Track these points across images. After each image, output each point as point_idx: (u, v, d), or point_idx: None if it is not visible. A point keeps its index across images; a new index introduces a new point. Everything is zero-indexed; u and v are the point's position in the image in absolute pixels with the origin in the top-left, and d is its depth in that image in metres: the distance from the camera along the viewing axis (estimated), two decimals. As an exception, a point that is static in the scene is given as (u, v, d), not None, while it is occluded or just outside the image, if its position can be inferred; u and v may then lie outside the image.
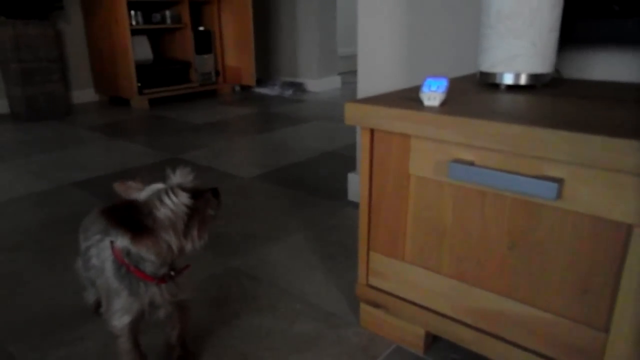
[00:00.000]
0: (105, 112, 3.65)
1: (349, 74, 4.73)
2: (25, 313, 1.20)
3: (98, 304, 1.09)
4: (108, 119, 3.43)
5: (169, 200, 0.77)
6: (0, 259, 1.47)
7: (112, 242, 0.86)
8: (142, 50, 3.87)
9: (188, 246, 0.81)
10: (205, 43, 4.03)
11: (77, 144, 2.78)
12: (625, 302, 0.73)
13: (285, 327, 1.14)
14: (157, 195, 0.78)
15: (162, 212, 0.77)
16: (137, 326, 0.91)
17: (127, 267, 0.85)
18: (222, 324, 1.15)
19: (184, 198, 0.78)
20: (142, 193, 0.80)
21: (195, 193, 0.80)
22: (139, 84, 3.66)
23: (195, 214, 0.79)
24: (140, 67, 3.67)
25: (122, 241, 0.80)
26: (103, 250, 0.89)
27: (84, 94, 3.94)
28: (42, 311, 1.21)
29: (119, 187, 0.83)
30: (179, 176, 0.81)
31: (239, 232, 1.62)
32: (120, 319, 0.88)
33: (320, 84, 4.38)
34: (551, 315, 0.82)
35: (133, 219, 0.76)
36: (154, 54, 4.03)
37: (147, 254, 0.81)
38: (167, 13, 3.86)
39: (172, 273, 0.87)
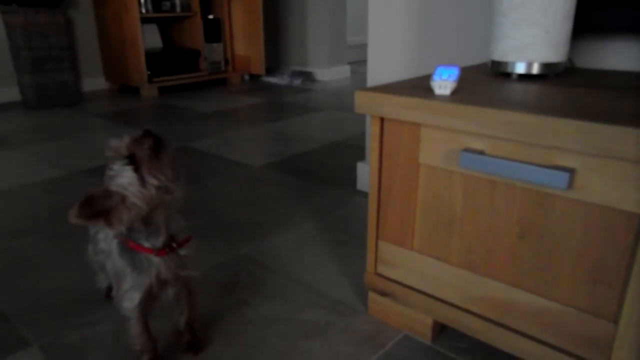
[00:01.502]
0: (115, 100, 3.66)
1: (358, 64, 4.70)
2: (38, 297, 1.22)
3: (109, 289, 1.11)
4: (118, 107, 3.44)
5: (112, 172, 0.81)
6: (14, 243, 1.49)
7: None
8: (151, 38, 3.88)
9: (152, 191, 0.82)
10: (214, 31, 4.02)
11: (87, 131, 2.80)
12: (635, 293, 0.72)
13: (293, 314, 1.14)
14: (106, 175, 0.82)
15: (114, 186, 0.81)
16: (147, 308, 0.92)
17: (127, 244, 0.87)
18: (231, 310, 1.16)
19: (119, 163, 0.81)
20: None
21: (130, 151, 0.82)
22: (149, 72, 3.66)
23: (140, 166, 0.82)
24: (150, 55, 3.67)
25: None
26: (110, 233, 0.91)
27: (94, 82, 3.96)
28: (55, 295, 1.22)
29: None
30: (110, 150, 0.83)
31: (248, 220, 1.63)
32: (130, 299, 0.89)
33: (329, 73, 4.36)
34: (560, 306, 0.81)
35: (98, 208, 0.80)
36: (163, 42, 4.04)
37: (128, 224, 0.83)
38: (177, 1, 3.85)
39: (174, 244, 0.89)
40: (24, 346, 1.05)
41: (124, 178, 0.81)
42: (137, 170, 0.81)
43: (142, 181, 0.81)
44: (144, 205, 0.82)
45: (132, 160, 0.81)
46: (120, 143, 0.83)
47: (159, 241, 0.87)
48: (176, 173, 0.85)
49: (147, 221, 0.85)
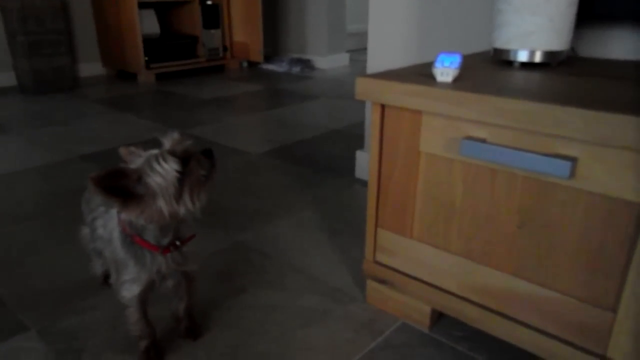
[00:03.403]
0: (112, 86, 3.64)
1: (357, 52, 4.68)
2: (36, 282, 1.22)
3: (106, 275, 1.10)
4: (115, 92, 3.42)
5: (158, 166, 0.77)
6: (10, 229, 1.49)
7: (118, 213, 0.87)
8: (149, 23, 3.83)
9: (181, 210, 0.80)
10: (213, 18, 3.98)
11: (84, 117, 2.78)
12: (635, 283, 0.72)
13: (291, 301, 1.14)
14: (148, 162, 0.78)
15: (152, 179, 0.77)
16: (146, 297, 0.92)
17: (131, 238, 0.85)
18: (229, 297, 1.16)
19: (173, 163, 0.77)
20: (136, 160, 0.80)
21: (186, 157, 0.79)
22: (146, 58, 3.63)
23: (186, 178, 0.79)
24: (148, 41, 3.63)
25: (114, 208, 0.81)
26: (109, 220, 0.90)
27: (91, 67, 3.92)
28: (53, 281, 1.22)
29: (123, 152, 0.83)
30: (169, 141, 0.80)
31: (246, 207, 1.63)
32: (129, 290, 0.88)
33: (328, 61, 4.34)
34: (559, 295, 0.82)
35: (121, 187, 0.76)
36: (161, 28, 4.00)
37: (139, 220, 0.81)
38: (175, -14, 3.81)
39: (178, 243, 0.88)
40: (21, 330, 1.05)
41: (166, 181, 0.77)
42: (182, 181, 0.78)
43: (179, 196, 0.79)
44: (168, 217, 0.80)
45: (184, 166, 0.78)
46: (181, 140, 0.80)
47: (165, 240, 0.87)
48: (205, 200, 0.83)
49: (163, 226, 0.84)
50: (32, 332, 1.04)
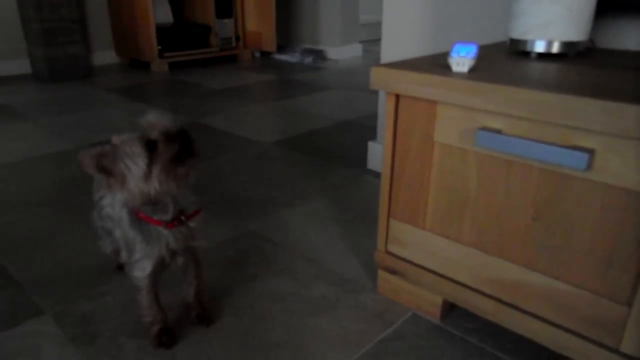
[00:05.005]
0: (125, 74, 3.65)
1: (370, 43, 4.64)
2: (51, 267, 1.23)
3: (116, 254, 1.11)
4: (128, 81, 3.43)
5: (129, 149, 0.80)
6: (25, 215, 1.51)
7: None
8: (162, 12, 3.84)
9: (151, 190, 0.81)
10: (226, 7, 3.97)
11: (97, 105, 2.79)
12: (650, 277, 0.71)
13: (302, 290, 1.15)
14: (122, 145, 0.81)
15: (122, 160, 0.80)
16: (157, 279, 0.93)
17: (137, 215, 0.87)
18: (240, 285, 1.17)
19: (137, 148, 0.79)
20: (117, 140, 0.83)
21: (157, 140, 0.81)
22: (159, 47, 3.64)
23: (155, 161, 0.80)
24: (161, 30, 3.64)
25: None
26: (118, 201, 0.91)
27: (104, 55, 3.94)
28: (67, 266, 1.24)
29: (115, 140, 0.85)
30: (143, 124, 0.82)
31: (257, 196, 1.63)
32: (141, 268, 0.90)
33: (341, 52, 4.31)
34: (573, 288, 0.81)
35: (103, 166, 0.81)
36: (174, 17, 4.00)
37: (120, 195, 0.84)
38: (188, -25, 3.80)
39: (183, 218, 0.89)
40: (37, 314, 1.06)
41: (134, 163, 0.79)
42: (150, 164, 0.79)
43: (149, 176, 0.80)
44: (138, 198, 0.82)
45: (152, 147, 0.79)
46: (156, 122, 0.81)
47: (168, 215, 0.87)
48: (185, 181, 0.85)
49: (151, 202, 0.85)
50: (47, 317, 1.06)
